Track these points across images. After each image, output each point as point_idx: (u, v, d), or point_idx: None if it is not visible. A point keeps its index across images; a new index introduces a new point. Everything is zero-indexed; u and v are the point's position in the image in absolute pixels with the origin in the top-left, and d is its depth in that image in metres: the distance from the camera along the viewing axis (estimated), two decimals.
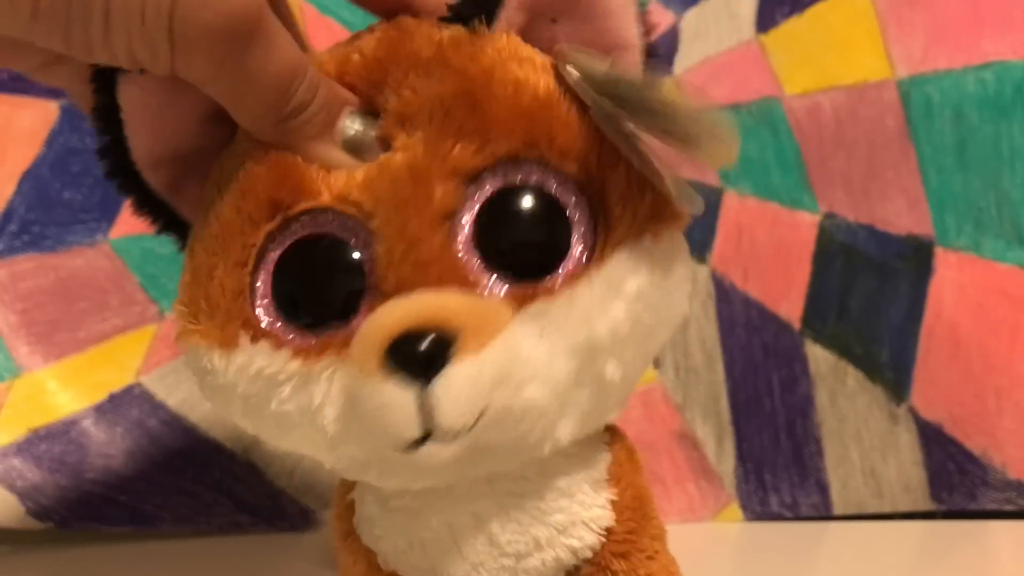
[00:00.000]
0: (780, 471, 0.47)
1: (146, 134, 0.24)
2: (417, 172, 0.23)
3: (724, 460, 0.47)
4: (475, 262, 0.23)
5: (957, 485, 0.45)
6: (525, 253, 0.24)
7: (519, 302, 0.23)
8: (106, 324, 0.48)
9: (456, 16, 0.25)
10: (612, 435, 0.28)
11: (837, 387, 0.46)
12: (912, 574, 0.41)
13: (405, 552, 0.26)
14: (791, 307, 0.47)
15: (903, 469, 0.45)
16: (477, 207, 0.23)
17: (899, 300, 0.46)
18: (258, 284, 0.24)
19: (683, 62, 0.49)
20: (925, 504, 0.45)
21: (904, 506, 0.45)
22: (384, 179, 0.23)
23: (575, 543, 0.26)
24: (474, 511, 0.26)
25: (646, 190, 0.24)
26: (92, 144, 0.50)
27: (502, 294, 0.23)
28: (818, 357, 0.47)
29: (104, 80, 0.23)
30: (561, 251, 0.24)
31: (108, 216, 0.49)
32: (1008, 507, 0.44)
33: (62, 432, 0.47)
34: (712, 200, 0.48)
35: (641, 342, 0.25)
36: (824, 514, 0.46)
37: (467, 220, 0.23)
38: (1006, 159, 0.45)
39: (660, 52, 0.26)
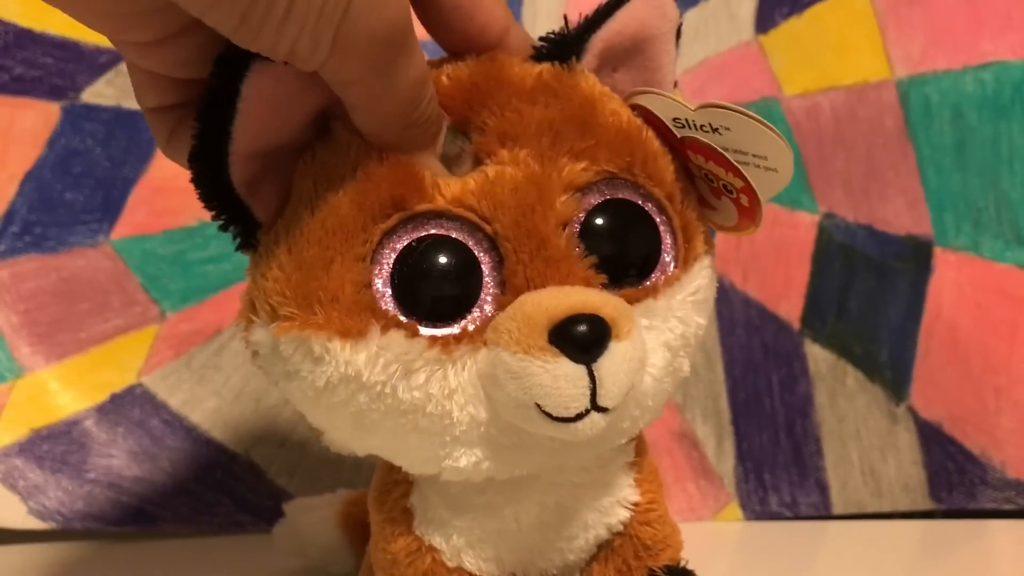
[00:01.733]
0: (780, 470, 0.47)
1: (258, 124, 0.24)
2: (539, 183, 0.25)
3: (724, 460, 0.47)
4: (589, 263, 0.26)
5: (956, 484, 0.45)
6: (627, 256, 0.27)
7: (630, 300, 0.26)
8: (108, 324, 0.49)
9: (545, 56, 0.28)
10: None
11: (836, 387, 0.47)
12: (911, 573, 0.41)
13: (473, 546, 0.28)
14: (790, 307, 0.47)
15: (902, 468, 0.46)
16: (586, 215, 0.26)
17: (898, 300, 0.46)
18: (376, 278, 0.25)
19: (683, 63, 0.49)
20: (924, 503, 0.45)
21: (903, 505, 0.45)
22: (504, 188, 0.25)
23: (612, 520, 0.29)
24: (541, 501, 0.28)
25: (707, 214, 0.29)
26: (93, 145, 0.50)
27: (614, 291, 0.26)
28: (817, 357, 0.47)
29: (229, 67, 0.23)
30: (654, 258, 0.27)
31: (109, 217, 0.49)
32: (1007, 506, 0.44)
33: (64, 432, 0.47)
34: None
35: (700, 342, 0.29)
36: (823, 513, 0.46)
37: (579, 226, 0.26)
38: (1005, 159, 0.45)
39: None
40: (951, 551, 0.42)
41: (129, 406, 0.48)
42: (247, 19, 0.21)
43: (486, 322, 0.25)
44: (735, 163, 0.26)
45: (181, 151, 0.25)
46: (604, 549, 0.30)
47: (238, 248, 0.27)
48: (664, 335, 0.27)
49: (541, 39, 0.28)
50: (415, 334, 0.24)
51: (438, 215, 0.25)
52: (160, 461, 0.48)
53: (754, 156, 0.26)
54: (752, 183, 0.27)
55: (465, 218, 0.25)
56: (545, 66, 0.27)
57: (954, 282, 0.46)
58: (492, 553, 0.29)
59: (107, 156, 0.49)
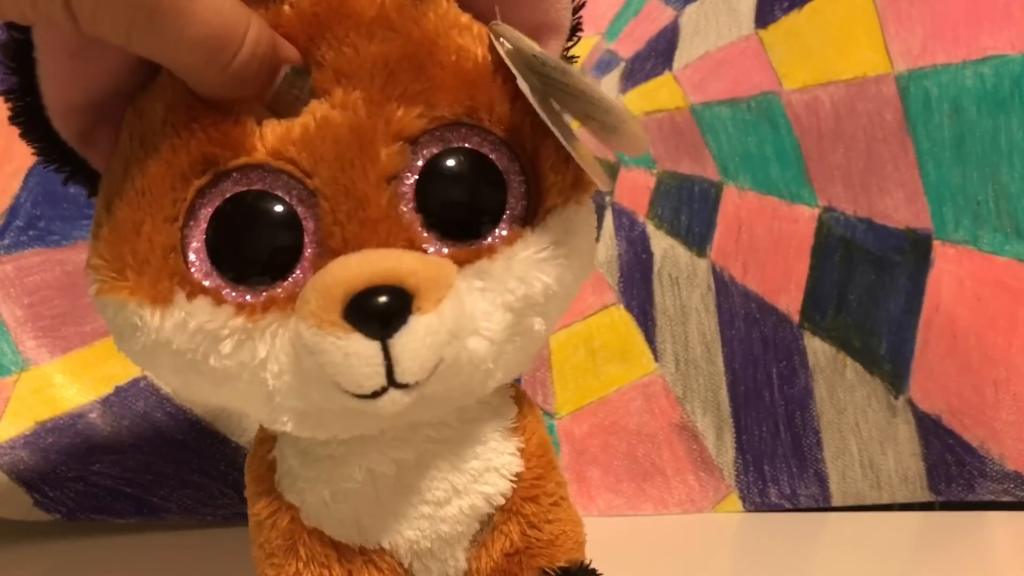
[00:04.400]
0: (779, 462, 0.47)
1: (62, 78, 0.23)
2: (362, 133, 0.23)
3: (724, 452, 0.48)
4: (418, 222, 0.24)
5: (955, 476, 0.45)
6: (465, 214, 0.25)
7: (461, 261, 0.24)
8: None
9: None
10: (515, 389, 0.30)
11: (836, 379, 0.47)
12: (910, 565, 0.41)
13: (328, 504, 0.27)
14: (790, 300, 0.48)
15: (901, 460, 0.46)
16: (419, 169, 0.24)
17: (897, 293, 0.46)
18: (190, 240, 0.24)
19: (683, 57, 0.49)
20: (923, 495, 0.45)
21: (902, 497, 0.46)
22: (325, 138, 0.23)
23: (488, 489, 0.28)
24: (395, 457, 0.27)
25: (570, 160, 0.26)
26: None
27: (445, 253, 0.24)
28: (817, 349, 0.47)
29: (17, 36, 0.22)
30: (497, 213, 0.25)
31: None
32: (1006, 498, 0.44)
33: (69, 425, 0.47)
34: (712, 194, 0.48)
35: (564, 299, 0.27)
36: (823, 505, 0.46)
37: (410, 181, 0.24)
38: (1004, 153, 0.45)
39: (580, 32, 0.28)
40: (950, 543, 0.42)
41: (133, 399, 0.48)
42: None
43: (298, 287, 0.23)
44: (549, 122, 0.25)
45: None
46: (487, 528, 0.28)
47: (89, 196, 0.26)
48: (503, 296, 0.25)
49: None
50: (221, 301, 0.23)
51: (256, 168, 0.24)
52: (164, 453, 0.48)
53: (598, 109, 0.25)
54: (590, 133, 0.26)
55: (285, 171, 0.24)
56: None
57: (953, 275, 0.46)
58: (350, 515, 0.27)
59: None
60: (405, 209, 0.24)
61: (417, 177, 0.24)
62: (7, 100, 0.23)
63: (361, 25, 0.24)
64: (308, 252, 0.24)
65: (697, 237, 0.48)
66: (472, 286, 0.25)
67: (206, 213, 0.24)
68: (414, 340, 0.23)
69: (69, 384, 0.48)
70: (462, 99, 0.25)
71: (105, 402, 0.48)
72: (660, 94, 0.49)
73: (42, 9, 0.20)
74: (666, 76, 0.49)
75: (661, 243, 0.48)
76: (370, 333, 0.22)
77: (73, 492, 0.47)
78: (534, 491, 0.28)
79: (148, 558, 0.45)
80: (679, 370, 0.49)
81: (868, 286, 0.47)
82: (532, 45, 0.25)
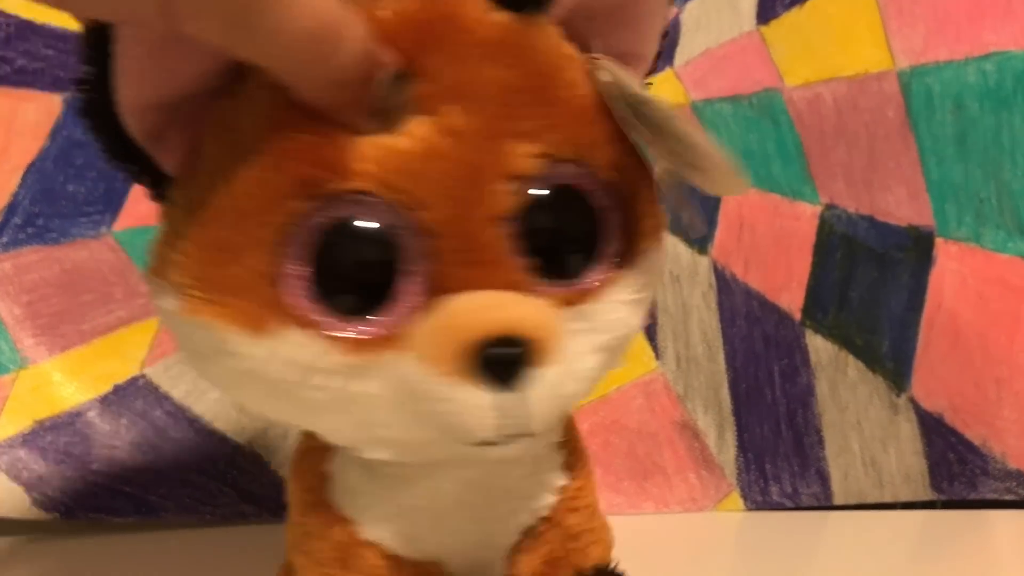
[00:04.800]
0: (781, 461, 0.47)
1: (140, 76, 0.21)
2: (476, 169, 0.22)
3: (725, 450, 0.48)
4: (523, 261, 0.23)
5: (957, 475, 0.45)
6: (569, 254, 0.24)
7: (563, 302, 0.24)
8: (110, 316, 0.49)
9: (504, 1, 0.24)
10: None
11: (838, 377, 0.47)
12: (912, 564, 0.41)
13: (388, 519, 0.27)
14: (792, 298, 0.48)
15: (903, 459, 0.46)
16: (526, 208, 0.23)
17: (899, 291, 0.46)
18: (289, 267, 0.22)
19: (684, 54, 0.49)
20: (925, 494, 0.45)
21: (904, 496, 0.46)
22: (436, 170, 0.22)
23: (537, 504, 0.28)
24: (461, 477, 0.26)
25: (659, 201, 0.26)
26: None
27: (549, 294, 0.24)
28: (819, 347, 0.47)
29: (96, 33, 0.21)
30: (597, 253, 0.25)
31: (112, 208, 0.49)
32: (1008, 497, 0.44)
33: (67, 423, 0.47)
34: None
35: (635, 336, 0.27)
36: (825, 504, 0.46)
37: (516, 219, 0.23)
38: (1007, 150, 0.45)
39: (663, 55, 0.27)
40: (952, 541, 0.42)
41: (132, 397, 0.48)
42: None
43: (403, 324, 0.22)
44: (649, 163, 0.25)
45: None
46: (529, 537, 0.28)
47: (153, 198, 0.24)
48: (598, 338, 0.25)
49: None
50: (321, 334, 0.22)
51: (359, 194, 0.22)
52: (163, 452, 0.48)
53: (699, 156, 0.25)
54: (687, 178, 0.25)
55: (391, 200, 0.22)
56: (505, 16, 0.23)
57: (956, 273, 0.45)
58: (408, 529, 0.27)
59: None
60: (513, 249, 0.23)
61: (523, 216, 0.23)
62: (79, 92, 0.22)
63: (482, 45, 0.23)
64: (412, 287, 0.23)
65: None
66: (570, 328, 0.24)
67: (306, 240, 0.22)
68: (541, 394, 0.22)
69: (67, 382, 0.48)
70: (572, 137, 0.24)
71: (104, 400, 0.48)
72: (661, 91, 0.49)
73: (135, 5, 0.19)
74: (667, 73, 0.49)
75: None
76: (494, 386, 0.22)
77: (71, 491, 0.46)
78: (576, 503, 0.28)
79: (147, 557, 0.44)
80: (680, 368, 0.48)
81: (870, 284, 0.47)
82: (634, 83, 0.24)
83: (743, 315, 0.48)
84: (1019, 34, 0.45)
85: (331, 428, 0.25)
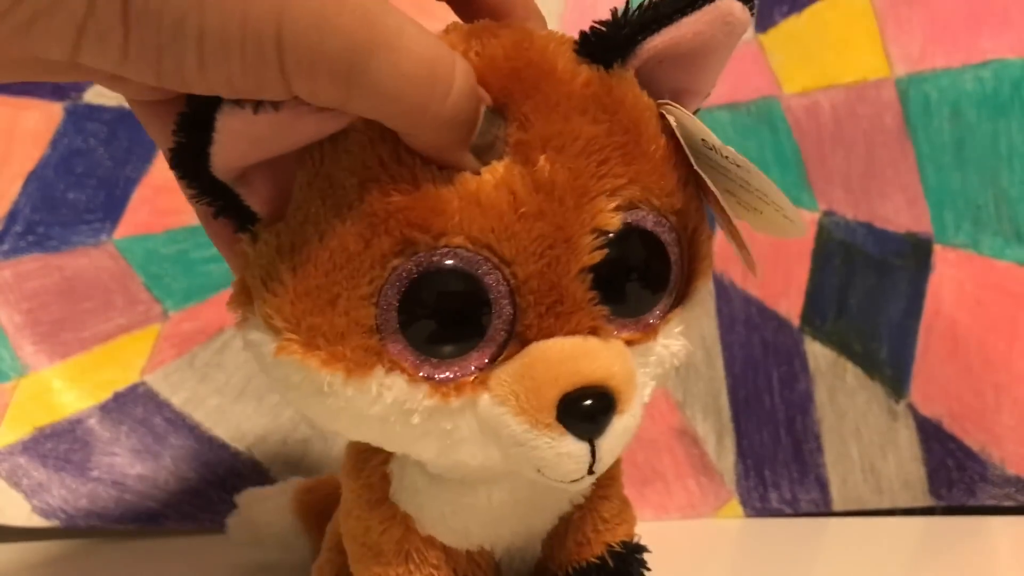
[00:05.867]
0: (780, 467, 0.47)
1: (237, 154, 0.22)
2: (567, 226, 0.23)
3: (724, 457, 0.48)
4: (600, 306, 0.24)
5: (956, 481, 0.45)
6: (640, 296, 0.25)
7: (629, 342, 0.25)
8: (110, 324, 0.49)
9: (588, 54, 0.25)
10: None
11: (836, 384, 0.47)
12: (911, 570, 0.41)
13: (446, 517, 0.28)
14: (790, 305, 0.48)
15: (902, 465, 0.46)
16: (607, 257, 0.24)
17: (898, 297, 0.46)
18: (384, 315, 0.23)
19: None
20: (924, 500, 0.45)
21: (903, 502, 0.46)
22: (526, 229, 0.23)
23: (575, 496, 0.30)
24: (516, 482, 0.28)
25: (712, 239, 0.27)
26: (96, 145, 0.50)
27: (622, 337, 0.25)
28: (817, 354, 0.47)
29: (200, 106, 0.21)
30: (661, 295, 0.26)
31: (112, 216, 0.49)
32: (1007, 503, 0.44)
33: (67, 430, 0.47)
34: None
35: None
36: (824, 510, 0.46)
37: (596, 265, 0.24)
38: (1004, 157, 0.45)
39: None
40: (951, 547, 0.42)
41: (132, 404, 0.48)
42: (162, 73, 0.19)
43: (491, 367, 0.24)
44: (728, 213, 0.26)
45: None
46: (564, 522, 0.30)
47: (236, 231, 0.25)
48: (653, 371, 0.26)
49: (587, 34, 0.25)
50: (416, 379, 0.24)
51: (452, 250, 0.23)
52: (163, 459, 0.48)
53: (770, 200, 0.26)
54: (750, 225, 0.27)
55: (482, 256, 0.23)
56: (593, 70, 0.24)
57: (954, 279, 0.46)
58: (462, 526, 0.29)
59: (110, 156, 0.49)
60: (591, 296, 0.24)
61: (603, 264, 0.24)
62: (175, 153, 0.22)
63: (573, 97, 0.24)
64: (499, 333, 0.24)
65: None
66: (636, 364, 0.25)
67: (401, 288, 0.23)
68: (615, 438, 0.24)
69: (68, 390, 0.48)
70: (653, 187, 0.25)
71: (104, 408, 0.48)
72: None
73: (253, 75, 0.19)
74: None
75: None
76: (581, 435, 0.23)
77: (71, 498, 0.46)
78: (608, 492, 0.31)
79: (147, 564, 0.44)
80: (679, 375, 0.48)
81: (868, 290, 0.47)
82: (704, 129, 0.25)
83: (742, 322, 0.48)
84: (1016, 42, 0.45)
85: (416, 452, 0.26)
